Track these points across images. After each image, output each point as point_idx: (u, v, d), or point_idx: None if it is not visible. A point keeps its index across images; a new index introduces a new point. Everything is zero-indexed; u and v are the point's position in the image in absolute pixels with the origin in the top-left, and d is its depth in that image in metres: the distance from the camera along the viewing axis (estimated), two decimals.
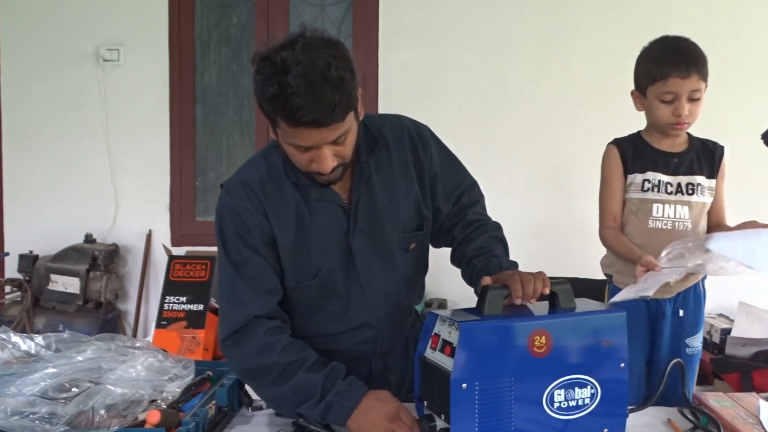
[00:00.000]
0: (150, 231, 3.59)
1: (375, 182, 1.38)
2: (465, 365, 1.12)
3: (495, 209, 1.64)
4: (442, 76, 3.40)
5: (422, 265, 1.53)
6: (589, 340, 1.19)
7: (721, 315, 3.18)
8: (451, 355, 1.13)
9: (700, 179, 1.86)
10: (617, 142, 1.91)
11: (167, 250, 3.52)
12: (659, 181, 1.85)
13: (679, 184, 1.85)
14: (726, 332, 2.93)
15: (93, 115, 3.56)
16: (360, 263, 1.38)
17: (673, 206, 1.84)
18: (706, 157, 1.88)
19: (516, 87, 3.42)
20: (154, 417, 1.12)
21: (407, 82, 3.31)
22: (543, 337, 1.16)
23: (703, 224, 1.86)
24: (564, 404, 1.17)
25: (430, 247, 1.55)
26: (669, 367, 1.42)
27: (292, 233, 1.34)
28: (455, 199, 1.51)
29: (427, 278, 1.58)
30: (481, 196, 1.56)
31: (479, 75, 3.41)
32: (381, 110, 3.36)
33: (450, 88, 3.41)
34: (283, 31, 3.57)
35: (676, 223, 1.84)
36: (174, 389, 1.24)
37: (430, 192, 1.45)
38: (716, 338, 2.96)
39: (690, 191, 1.84)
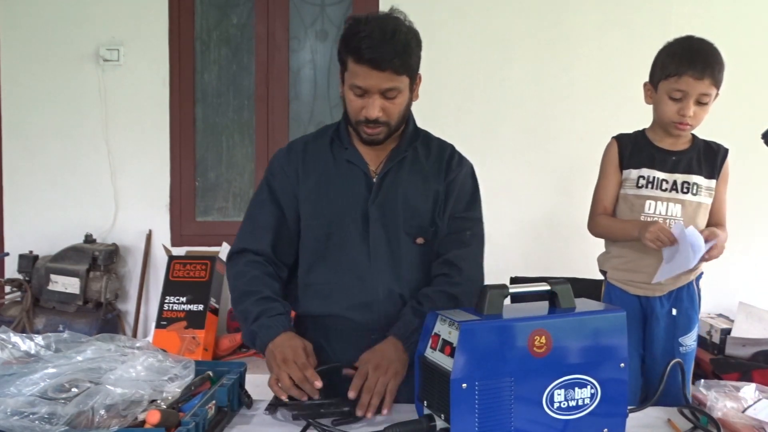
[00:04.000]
0: (150, 231, 3.59)
1: (406, 167, 1.56)
2: (465, 365, 1.12)
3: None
4: (442, 76, 3.40)
5: (425, 269, 1.54)
6: (589, 340, 1.19)
7: (721, 315, 3.17)
8: (451, 355, 1.13)
9: (698, 179, 1.85)
10: (619, 138, 1.93)
11: (167, 250, 3.52)
12: (654, 177, 1.84)
13: (674, 182, 1.84)
14: (726, 332, 2.93)
15: (93, 115, 3.56)
16: (372, 232, 1.51)
17: (665, 203, 1.83)
18: (707, 158, 1.87)
19: (516, 87, 3.41)
20: (154, 417, 1.12)
21: None
22: (543, 337, 1.16)
23: (699, 224, 1.85)
24: (564, 404, 1.17)
25: None
26: (669, 367, 1.42)
27: (314, 179, 1.55)
28: (455, 226, 1.55)
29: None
30: (481, 242, 1.58)
31: (479, 75, 3.40)
32: None
33: (449, 88, 3.41)
34: (282, 31, 3.57)
35: (668, 221, 1.83)
36: (174, 389, 1.24)
37: (444, 203, 1.55)
38: (716, 338, 2.96)
39: (685, 190, 1.83)
